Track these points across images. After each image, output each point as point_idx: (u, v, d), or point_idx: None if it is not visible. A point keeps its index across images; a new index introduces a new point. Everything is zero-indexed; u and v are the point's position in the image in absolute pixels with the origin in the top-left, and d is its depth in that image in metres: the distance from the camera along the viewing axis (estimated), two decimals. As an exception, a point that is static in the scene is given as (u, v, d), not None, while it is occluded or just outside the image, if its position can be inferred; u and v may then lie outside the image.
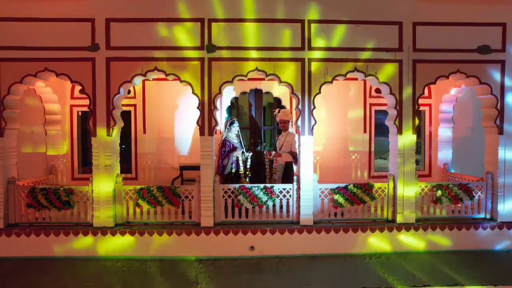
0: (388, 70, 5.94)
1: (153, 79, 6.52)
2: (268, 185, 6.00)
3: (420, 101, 6.09)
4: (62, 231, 5.73)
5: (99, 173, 5.77)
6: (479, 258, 5.75)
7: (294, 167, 6.77)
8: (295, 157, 6.69)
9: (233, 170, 6.61)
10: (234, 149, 6.66)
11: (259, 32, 5.83)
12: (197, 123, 5.89)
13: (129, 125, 7.72)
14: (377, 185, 6.06)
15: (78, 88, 5.91)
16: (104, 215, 5.77)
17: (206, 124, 5.85)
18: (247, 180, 6.56)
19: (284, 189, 5.98)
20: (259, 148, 8.08)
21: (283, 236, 5.83)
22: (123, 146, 7.34)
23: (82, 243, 5.73)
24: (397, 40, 5.93)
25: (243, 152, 6.65)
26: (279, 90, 7.71)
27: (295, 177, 5.99)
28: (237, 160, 6.55)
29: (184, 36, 5.79)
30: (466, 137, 7.95)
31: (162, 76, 5.90)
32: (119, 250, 5.74)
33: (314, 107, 5.91)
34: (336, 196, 5.96)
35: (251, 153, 6.80)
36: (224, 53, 5.82)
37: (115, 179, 5.85)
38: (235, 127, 6.78)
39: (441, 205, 6.13)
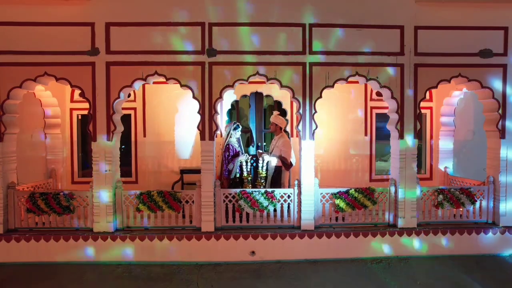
0: (389, 74, 5.92)
1: (153, 83, 6.48)
2: (269, 189, 5.97)
3: (421, 104, 6.06)
4: (62, 236, 5.71)
5: (99, 178, 5.75)
6: (481, 263, 5.73)
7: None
8: (284, 162, 6.67)
9: (237, 175, 6.58)
10: (237, 154, 6.64)
11: (260, 36, 5.81)
12: (198, 127, 5.85)
13: (129, 128, 7.70)
14: (378, 189, 6.04)
15: (78, 91, 5.87)
16: (104, 220, 5.76)
17: (206, 128, 5.82)
18: (249, 184, 6.51)
19: (285, 193, 5.96)
20: (260, 151, 8.04)
21: (284, 241, 5.81)
22: (123, 147, 7.32)
23: (82, 248, 5.71)
24: (399, 44, 5.91)
25: (247, 158, 6.58)
26: (279, 93, 7.68)
27: (296, 182, 5.96)
28: (241, 165, 6.52)
29: (184, 40, 5.76)
30: (467, 140, 7.96)
31: (163, 80, 5.87)
32: (120, 255, 5.72)
33: (315, 112, 5.88)
34: (337, 201, 5.93)
35: (250, 157, 6.76)
36: (225, 57, 5.79)
37: (115, 184, 5.83)
38: (238, 132, 6.76)
39: (443, 209, 6.11)
